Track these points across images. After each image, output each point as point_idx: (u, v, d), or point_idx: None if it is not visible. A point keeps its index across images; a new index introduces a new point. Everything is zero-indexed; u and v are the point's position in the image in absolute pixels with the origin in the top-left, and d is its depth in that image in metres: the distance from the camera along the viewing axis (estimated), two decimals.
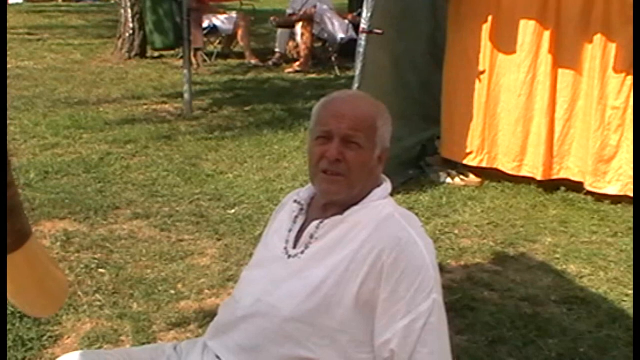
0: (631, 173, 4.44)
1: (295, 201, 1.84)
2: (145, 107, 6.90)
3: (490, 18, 4.73)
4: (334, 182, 1.72)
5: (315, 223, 1.74)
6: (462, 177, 4.93)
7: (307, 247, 1.73)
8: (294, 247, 1.76)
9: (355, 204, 1.74)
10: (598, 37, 4.43)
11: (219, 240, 3.87)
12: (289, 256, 1.74)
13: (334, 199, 1.75)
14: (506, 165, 4.87)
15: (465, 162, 4.96)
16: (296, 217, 1.81)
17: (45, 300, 1.14)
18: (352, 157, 1.70)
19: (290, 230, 1.79)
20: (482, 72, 4.82)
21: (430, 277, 1.64)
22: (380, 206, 1.74)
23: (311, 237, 1.73)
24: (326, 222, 1.73)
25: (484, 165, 4.93)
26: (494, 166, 4.91)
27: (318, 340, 1.63)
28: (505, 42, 4.73)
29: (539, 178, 4.75)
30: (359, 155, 1.71)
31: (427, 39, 5.13)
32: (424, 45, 5.09)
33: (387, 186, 1.81)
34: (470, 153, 4.94)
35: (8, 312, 2.86)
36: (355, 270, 1.63)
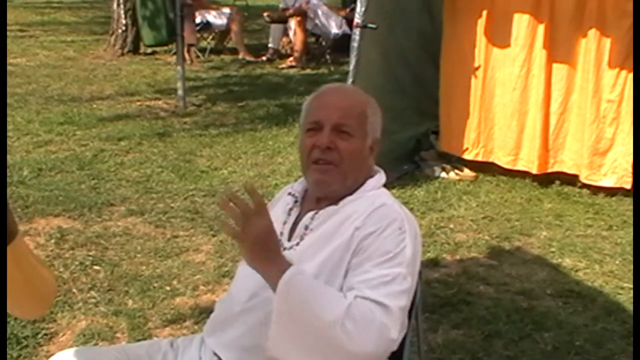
0: (626, 165, 4.45)
1: (289, 194, 1.84)
2: (138, 103, 6.88)
3: (485, 12, 4.74)
4: (326, 171, 1.71)
5: (310, 214, 1.74)
6: (456, 171, 4.93)
7: (302, 238, 1.72)
8: (289, 239, 1.75)
9: (350, 194, 1.74)
10: (592, 31, 4.43)
11: (213, 236, 3.86)
12: (284, 249, 1.73)
13: (327, 190, 1.74)
14: (502, 159, 4.88)
15: (462, 156, 4.97)
16: (290, 209, 1.81)
17: (32, 301, 1.12)
18: (344, 146, 1.70)
19: (284, 223, 1.78)
20: (478, 67, 4.82)
21: (404, 255, 1.60)
22: (375, 196, 1.74)
23: (306, 228, 1.73)
24: (321, 213, 1.73)
25: (480, 159, 4.94)
26: (490, 160, 4.92)
27: None
28: (500, 36, 4.73)
29: (534, 172, 4.76)
30: (350, 144, 1.71)
31: (419, 33, 5.12)
32: (415, 40, 5.07)
33: (380, 176, 1.81)
34: (467, 147, 4.94)
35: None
36: (346, 256, 1.63)
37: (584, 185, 4.67)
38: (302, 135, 1.77)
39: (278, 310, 1.51)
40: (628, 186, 4.48)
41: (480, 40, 4.78)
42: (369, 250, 1.60)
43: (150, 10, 8.06)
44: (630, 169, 4.42)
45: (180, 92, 6.70)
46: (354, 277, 1.57)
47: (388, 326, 1.50)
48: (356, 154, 1.72)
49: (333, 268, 1.63)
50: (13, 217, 1.00)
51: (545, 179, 4.78)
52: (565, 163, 4.75)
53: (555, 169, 4.78)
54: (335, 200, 1.73)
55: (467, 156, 4.95)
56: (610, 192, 4.58)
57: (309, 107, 1.78)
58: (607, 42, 4.41)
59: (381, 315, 1.49)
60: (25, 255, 1.05)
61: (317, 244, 1.68)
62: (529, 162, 4.77)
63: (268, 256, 1.53)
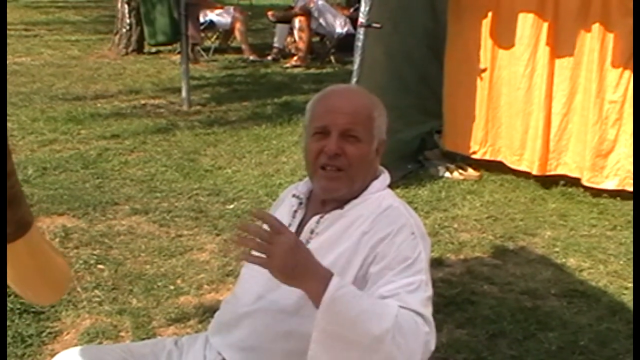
0: (629, 167, 4.43)
1: (293, 195, 1.83)
2: (143, 102, 6.88)
3: (490, 11, 4.73)
4: (334, 178, 1.70)
5: (316, 218, 1.73)
6: (461, 171, 4.93)
7: (307, 242, 1.70)
8: None
9: (355, 197, 1.73)
10: (596, 30, 4.41)
11: (217, 235, 3.86)
12: None
13: (335, 196, 1.73)
14: (508, 158, 4.87)
15: (468, 154, 4.96)
16: (295, 211, 1.80)
17: (47, 289, 1.15)
18: (352, 151, 1.69)
19: (289, 226, 1.77)
20: (484, 67, 4.81)
21: (421, 260, 1.61)
22: (380, 198, 1.73)
23: (311, 232, 1.72)
24: (326, 217, 1.72)
25: (487, 157, 4.93)
26: (498, 158, 4.92)
27: None
28: (504, 35, 4.72)
29: (534, 173, 4.74)
30: (358, 148, 1.70)
31: (424, 32, 5.11)
32: (420, 38, 5.07)
33: (385, 177, 1.80)
34: (474, 146, 4.93)
35: (7, 308, 2.86)
36: (354, 261, 1.62)
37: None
38: (308, 139, 1.75)
39: (322, 328, 1.44)
40: (630, 188, 4.45)
41: (486, 39, 4.77)
42: (386, 258, 1.59)
43: (154, 10, 8.10)
44: (632, 170, 4.40)
45: (184, 91, 6.70)
46: (379, 287, 1.55)
47: (430, 335, 1.52)
48: (364, 159, 1.71)
49: (343, 266, 1.62)
50: (28, 208, 1.02)
51: (550, 179, 4.77)
52: (568, 165, 4.71)
53: (558, 171, 4.73)
54: (341, 203, 1.72)
55: (475, 155, 4.95)
56: (614, 192, 4.56)
57: (314, 111, 1.76)
58: (610, 42, 4.38)
59: (423, 326, 1.50)
60: (40, 244, 1.07)
61: (322, 248, 1.66)
62: (531, 163, 4.76)
63: (302, 272, 1.44)
